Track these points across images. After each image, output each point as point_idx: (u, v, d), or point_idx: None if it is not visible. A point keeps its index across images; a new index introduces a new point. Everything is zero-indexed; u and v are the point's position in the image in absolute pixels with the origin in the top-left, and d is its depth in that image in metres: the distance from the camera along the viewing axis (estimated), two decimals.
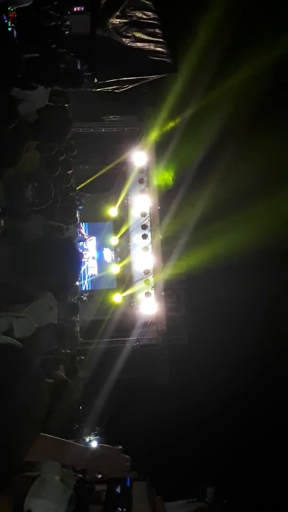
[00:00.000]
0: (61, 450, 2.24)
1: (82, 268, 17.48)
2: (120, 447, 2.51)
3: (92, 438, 14.88)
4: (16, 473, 1.40)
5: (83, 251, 18.37)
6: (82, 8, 10.71)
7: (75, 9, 10.62)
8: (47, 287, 2.59)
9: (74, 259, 2.45)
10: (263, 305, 15.19)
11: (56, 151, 5.18)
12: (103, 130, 17.80)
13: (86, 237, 19.00)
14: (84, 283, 18.72)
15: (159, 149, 17.36)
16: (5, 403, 1.31)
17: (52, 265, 2.25)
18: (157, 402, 15.08)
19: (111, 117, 17.64)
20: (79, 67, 7.16)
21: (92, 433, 14.95)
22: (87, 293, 18.32)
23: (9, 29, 4.73)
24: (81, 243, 18.48)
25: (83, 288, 18.49)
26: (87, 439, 14.09)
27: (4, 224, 3.11)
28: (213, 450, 13.90)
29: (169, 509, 9.24)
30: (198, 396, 14.50)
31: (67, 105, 5.54)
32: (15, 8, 5.41)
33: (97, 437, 15.08)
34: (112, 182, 19.84)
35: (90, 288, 18.99)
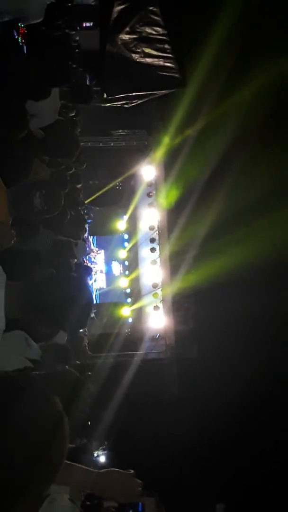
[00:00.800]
0: (68, 473, 2.18)
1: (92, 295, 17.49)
2: (132, 471, 2.44)
3: (100, 453, 14.78)
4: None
5: (91, 264, 18.39)
6: (92, 24, 10.82)
7: (84, 25, 10.74)
8: (60, 329, 2.57)
9: (87, 300, 2.42)
10: (272, 318, 15.10)
11: (65, 166, 5.21)
12: (112, 145, 17.93)
13: (95, 251, 19.04)
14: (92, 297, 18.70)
15: (168, 163, 17.43)
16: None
17: (65, 308, 2.21)
18: (165, 416, 14.97)
19: (120, 131, 17.77)
20: (88, 82, 7.23)
21: (101, 447, 14.85)
22: (95, 310, 18.32)
23: (20, 44, 4.80)
24: (89, 256, 18.51)
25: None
26: (96, 454, 13.99)
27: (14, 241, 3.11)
28: (224, 465, 13.75)
29: None
30: (208, 410, 14.38)
31: (76, 119, 5.58)
32: (25, 24, 5.49)
33: (105, 451, 14.99)
34: (121, 196, 19.92)
35: (98, 302, 18.97)
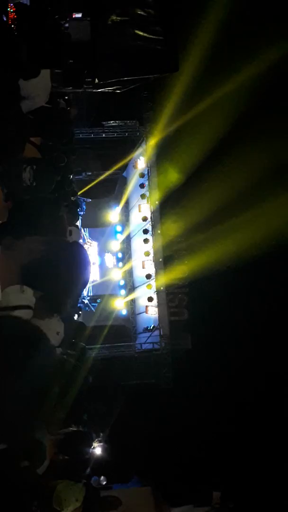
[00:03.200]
0: None
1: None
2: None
3: (96, 444, 14.77)
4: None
5: None
6: (81, 15, 10.70)
7: (74, 15, 10.62)
8: (57, 292, 2.53)
9: (85, 265, 2.40)
10: (266, 307, 15.13)
11: (57, 154, 5.15)
12: (104, 135, 17.83)
13: (88, 243, 18.96)
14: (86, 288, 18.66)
15: (160, 154, 17.37)
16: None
17: (63, 272, 2.19)
18: (161, 407, 14.99)
19: (111, 122, 17.68)
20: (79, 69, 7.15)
21: (97, 439, 14.84)
22: (89, 297, 18.28)
23: (10, 26, 4.75)
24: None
25: (85, 294, 18.43)
26: (92, 446, 13.96)
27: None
28: (219, 454, 13.79)
29: None
30: (202, 400, 14.41)
31: (68, 102, 5.52)
32: (14, 9, 5.43)
33: (101, 443, 14.98)
34: (113, 187, 19.85)
35: (92, 294, 18.94)
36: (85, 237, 18.77)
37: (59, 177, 5.28)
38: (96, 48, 5.39)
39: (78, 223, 12.38)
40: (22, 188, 2.98)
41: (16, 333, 1.33)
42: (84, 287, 2.48)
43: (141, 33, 5.20)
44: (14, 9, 5.40)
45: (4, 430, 1.33)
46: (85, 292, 17.86)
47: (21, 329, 1.36)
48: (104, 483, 9.86)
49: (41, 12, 5.86)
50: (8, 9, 5.44)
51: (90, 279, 19.00)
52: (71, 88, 5.41)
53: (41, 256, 2.21)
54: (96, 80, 5.71)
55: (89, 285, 18.86)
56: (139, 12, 5.06)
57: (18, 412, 1.29)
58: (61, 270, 2.20)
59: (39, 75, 3.89)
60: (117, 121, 17.75)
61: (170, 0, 5.23)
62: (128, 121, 17.82)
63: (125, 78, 5.61)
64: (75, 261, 2.32)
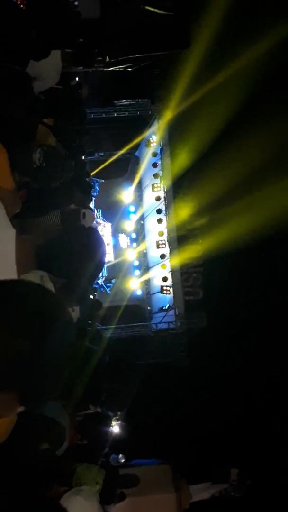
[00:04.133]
0: None
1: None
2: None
3: (114, 423, 14.94)
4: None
5: None
6: None
7: None
8: (73, 279, 2.51)
9: (99, 245, 2.39)
10: (282, 284, 15.07)
11: (69, 135, 5.10)
12: (115, 115, 17.69)
13: (101, 224, 18.94)
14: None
15: (172, 132, 17.21)
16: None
17: (78, 258, 2.19)
18: (177, 386, 15.08)
19: (122, 101, 17.52)
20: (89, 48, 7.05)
21: (114, 418, 15.00)
22: (103, 278, 18.32)
23: (19, 6, 4.68)
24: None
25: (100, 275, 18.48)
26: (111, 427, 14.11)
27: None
28: (236, 431, 13.89)
29: (194, 492, 9.28)
30: (219, 378, 14.47)
31: (79, 85, 5.46)
32: None
33: (119, 422, 15.15)
34: (126, 167, 19.74)
35: (106, 275, 18.97)
36: (99, 218, 18.75)
37: (73, 161, 5.25)
38: (106, 26, 5.30)
39: (91, 204, 12.37)
40: (33, 170, 2.95)
41: (33, 300, 1.32)
42: (100, 269, 2.47)
43: (151, 9, 5.09)
44: None
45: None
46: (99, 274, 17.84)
47: (39, 296, 1.36)
48: (123, 461, 9.98)
49: None
50: None
51: (106, 259, 19.03)
52: (81, 67, 5.34)
53: (56, 238, 2.20)
54: (107, 59, 5.62)
55: (104, 263, 18.87)
56: None
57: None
58: (76, 251, 2.19)
59: (49, 55, 3.83)
60: (129, 100, 17.58)
61: None
62: (139, 100, 17.64)
63: (136, 56, 5.52)
64: (90, 243, 2.31)
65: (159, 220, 17.43)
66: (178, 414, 14.30)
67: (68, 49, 4.76)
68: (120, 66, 5.83)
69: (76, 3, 8.19)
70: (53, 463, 2.88)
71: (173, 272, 17.10)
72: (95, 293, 15.68)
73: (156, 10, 5.05)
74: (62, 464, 3.19)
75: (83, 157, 9.27)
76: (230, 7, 12.93)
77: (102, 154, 18.31)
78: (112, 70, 6.16)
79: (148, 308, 19.00)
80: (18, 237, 1.98)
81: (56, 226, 3.50)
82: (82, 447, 3.94)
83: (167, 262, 17.30)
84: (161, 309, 17.96)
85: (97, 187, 18.14)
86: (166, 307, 17.56)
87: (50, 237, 2.17)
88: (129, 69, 5.83)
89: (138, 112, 17.77)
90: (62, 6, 5.96)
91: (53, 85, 4.42)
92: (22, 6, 5.38)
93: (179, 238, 17.08)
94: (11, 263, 1.94)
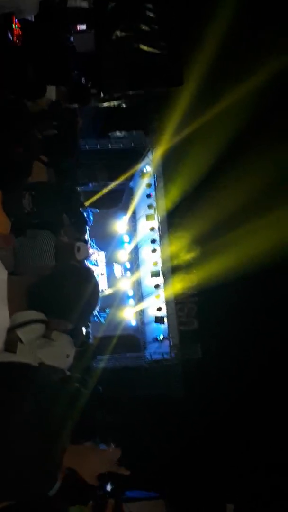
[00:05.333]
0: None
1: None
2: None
3: None
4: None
5: (93, 266, 18.33)
6: (85, 27, 10.76)
7: (78, 28, 10.69)
8: (66, 319, 2.53)
9: (93, 289, 2.41)
10: (276, 316, 15.06)
11: (63, 168, 5.17)
12: (110, 147, 17.90)
13: (95, 253, 18.97)
14: None
15: (166, 164, 17.40)
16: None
17: (70, 299, 2.21)
18: (171, 417, 14.91)
19: (117, 133, 17.75)
20: (84, 83, 7.20)
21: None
22: (98, 308, 18.23)
23: (15, 44, 4.78)
24: (90, 259, 18.45)
25: None
26: None
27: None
28: (231, 465, 13.68)
29: None
30: (214, 411, 14.33)
31: (75, 120, 5.54)
32: (19, 25, 5.47)
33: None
34: (120, 197, 19.89)
35: (100, 305, 18.90)
36: (93, 248, 18.78)
37: (65, 193, 5.29)
38: (101, 63, 5.43)
39: (86, 235, 12.41)
40: (24, 215, 2.99)
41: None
42: (93, 308, 2.48)
43: (145, 47, 5.24)
44: (19, 25, 5.44)
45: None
46: None
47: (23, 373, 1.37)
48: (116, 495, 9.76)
49: (47, 28, 5.91)
50: (13, 25, 5.48)
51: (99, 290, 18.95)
52: (77, 105, 5.45)
53: (47, 278, 2.22)
54: (102, 95, 5.74)
55: (97, 302, 18.76)
56: (143, 28, 5.10)
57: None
58: (67, 290, 2.21)
59: (45, 93, 3.91)
60: (123, 132, 17.82)
61: (174, 15, 5.26)
62: (134, 132, 17.88)
63: (130, 93, 5.64)
64: (81, 282, 2.33)
65: (153, 250, 17.49)
66: (173, 447, 14.10)
67: (64, 86, 4.87)
68: (115, 102, 5.96)
69: (71, 39, 8.39)
70: (45, 503, 2.82)
71: (167, 302, 17.08)
72: (89, 323, 15.61)
73: (149, 49, 5.20)
74: (54, 504, 3.12)
75: (77, 188, 9.35)
76: (223, 44, 13.26)
77: (96, 184, 18.46)
78: (107, 105, 6.30)
79: (143, 338, 18.90)
80: (10, 278, 2.00)
81: (49, 263, 3.52)
82: (75, 487, 3.85)
83: (161, 292, 17.28)
84: (156, 339, 17.87)
85: (91, 217, 18.24)
86: (161, 338, 17.48)
87: (42, 277, 2.19)
88: (123, 105, 5.97)
89: (133, 144, 17.99)
90: (58, 43, 6.11)
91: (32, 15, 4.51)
92: (18, 43, 5.52)
93: (173, 268, 17.11)
94: (2, 304, 1.96)
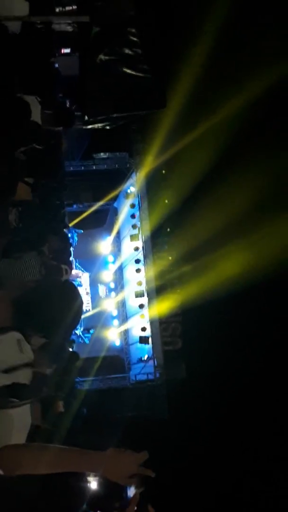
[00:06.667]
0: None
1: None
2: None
3: (91, 479, 14.51)
4: None
5: (77, 286, 18.25)
6: (70, 50, 10.88)
7: (62, 51, 10.80)
8: (50, 334, 2.54)
9: (78, 304, 2.43)
10: (260, 334, 15.11)
11: (48, 189, 5.21)
12: (94, 168, 18.02)
13: (80, 274, 18.93)
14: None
15: (150, 185, 17.54)
16: None
17: (54, 314, 2.23)
18: (156, 438, 14.79)
19: (101, 154, 17.89)
20: (68, 106, 7.28)
21: (92, 473, 14.57)
22: (81, 328, 18.17)
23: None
24: (74, 279, 18.40)
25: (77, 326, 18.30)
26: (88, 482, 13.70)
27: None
28: (217, 485, 13.58)
29: None
30: (199, 431, 14.26)
31: (59, 142, 5.61)
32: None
33: (97, 477, 14.72)
34: (104, 218, 19.96)
35: (84, 325, 18.82)
36: (77, 268, 18.75)
37: (50, 214, 5.32)
38: (85, 86, 5.50)
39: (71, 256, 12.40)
40: (10, 230, 3.01)
41: None
42: (77, 322, 2.50)
43: (129, 71, 5.32)
44: None
45: None
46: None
47: None
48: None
49: (31, 51, 6.00)
50: None
51: (84, 310, 18.86)
52: (61, 127, 5.51)
53: (31, 293, 2.24)
54: (86, 117, 5.81)
55: (81, 316, 18.70)
56: (127, 52, 5.19)
57: None
58: (52, 305, 2.23)
59: (30, 116, 3.96)
60: (107, 153, 17.97)
61: (158, 40, 5.37)
62: (118, 153, 18.04)
63: (114, 115, 5.71)
64: (66, 296, 2.35)
65: (138, 270, 17.51)
66: (158, 468, 13.93)
67: (49, 108, 4.92)
68: (99, 124, 6.03)
69: (56, 65, 8.48)
70: None
71: (152, 322, 17.06)
72: (73, 344, 15.51)
73: (133, 72, 5.29)
74: None
75: (62, 211, 9.39)
76: (205, 66, 13.51)
77: (81, 205, 18.52)
78: (91, 127, 6.36)
79: (127, 358, 18.81)
80: None
81: (33, 279, 3.54)
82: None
83: (145, 311, 17.27)
84: (140, 360, 17.79)
85: (75, 238, 18.25)
86: (145, 358, 17.41)
87: (26, 292, 2.21)
88: (108, 127, 6.03)
89: (117, 165, 18.13)
90: (43, 67, 6.19)
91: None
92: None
93: (157, 288, 17.13)
94: None
